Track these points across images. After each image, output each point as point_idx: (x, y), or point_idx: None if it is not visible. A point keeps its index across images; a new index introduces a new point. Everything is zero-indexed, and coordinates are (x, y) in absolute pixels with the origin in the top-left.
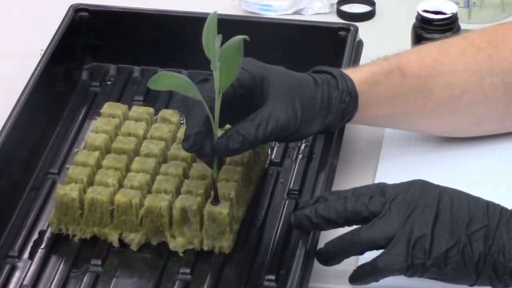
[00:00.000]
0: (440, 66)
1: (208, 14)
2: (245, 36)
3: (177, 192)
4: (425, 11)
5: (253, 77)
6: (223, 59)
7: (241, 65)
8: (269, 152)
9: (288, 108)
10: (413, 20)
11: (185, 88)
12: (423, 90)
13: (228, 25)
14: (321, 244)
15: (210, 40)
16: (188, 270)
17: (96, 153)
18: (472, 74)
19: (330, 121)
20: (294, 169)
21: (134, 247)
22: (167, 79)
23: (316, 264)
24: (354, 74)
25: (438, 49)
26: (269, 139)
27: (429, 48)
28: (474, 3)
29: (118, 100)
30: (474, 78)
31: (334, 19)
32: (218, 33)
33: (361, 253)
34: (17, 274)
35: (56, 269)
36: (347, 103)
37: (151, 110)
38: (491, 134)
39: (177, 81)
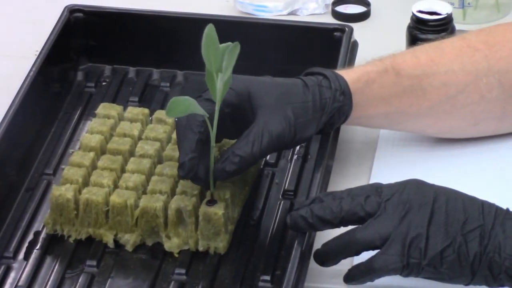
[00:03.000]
0: (435, 66)
1: (203, 15)
2: (237, 42)
3: (172, 193)
4: (420, 11)
5: (238, 94)
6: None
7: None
8: None
9: (280, 118)
10: (408, 21)
11: (195, 108)
12: (418, 89)
13: (223, 26)
14: (316, 245)
15: (211, 54)
16: (183, 271)
17: (91, 154)
18: (468, 74)
19: (325, 122)
20: (289, 169)
21: (129, 247)
22: (179, 105)
23: (312, 264)
24: (348, 74)
25: (434, 49)
26: (266, 153)
27: (424, 48)
28: (469, 3)
29: (113, 101)
30: (470, 78)
31: (329, 19)
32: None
33: (357, 253)
34: (12, 274)
35: (51, 269)
36: (341, 101)
37: (146, 111)
38: (489, 135)
39: (187, 103)
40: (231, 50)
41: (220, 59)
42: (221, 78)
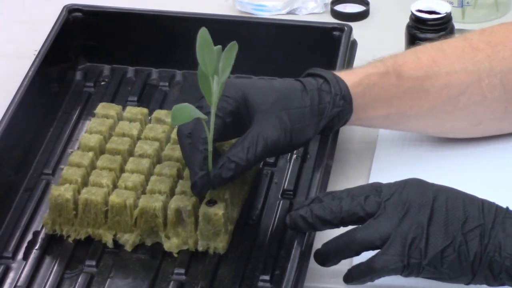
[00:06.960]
0: (437, 67)
1: (202, 14)
2: (234, 42)
3: (171, 193)
4: (419, 10)
5: (236, 101)
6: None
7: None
8: None
9: (276, 124)
10: (407, 20)
11: (197, 113)
12: (420, 91)
13: (222, 25)
14: (316, 244)
15: (206, 57)
16: (182, 271)
17: (90, 154)
18: (470, 75)
19: (324, 125)
20: (289, 169)
21: (128, 247)
22: (182, 112)
23: (311, 264)
24: (349, 76)
25: (436, 49)
26: (261, 159)
27: (426, 49)
28: (468, 2)
29: (112, 100)
30: (472, 78)
31: (328, 19)
32: (212, 32)
33: (357, 253)
34: (11, 275)
35: (51, 270)
36: (341, 106)
37: (145, 110)
38: (491, 134)
39: (189, 109)
40: (229, 51)
41: (215, 61)
42: (217, 81)
